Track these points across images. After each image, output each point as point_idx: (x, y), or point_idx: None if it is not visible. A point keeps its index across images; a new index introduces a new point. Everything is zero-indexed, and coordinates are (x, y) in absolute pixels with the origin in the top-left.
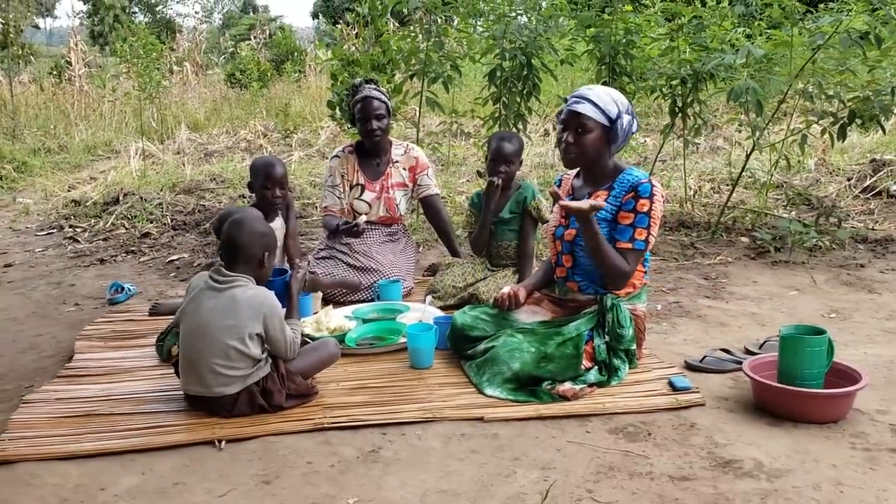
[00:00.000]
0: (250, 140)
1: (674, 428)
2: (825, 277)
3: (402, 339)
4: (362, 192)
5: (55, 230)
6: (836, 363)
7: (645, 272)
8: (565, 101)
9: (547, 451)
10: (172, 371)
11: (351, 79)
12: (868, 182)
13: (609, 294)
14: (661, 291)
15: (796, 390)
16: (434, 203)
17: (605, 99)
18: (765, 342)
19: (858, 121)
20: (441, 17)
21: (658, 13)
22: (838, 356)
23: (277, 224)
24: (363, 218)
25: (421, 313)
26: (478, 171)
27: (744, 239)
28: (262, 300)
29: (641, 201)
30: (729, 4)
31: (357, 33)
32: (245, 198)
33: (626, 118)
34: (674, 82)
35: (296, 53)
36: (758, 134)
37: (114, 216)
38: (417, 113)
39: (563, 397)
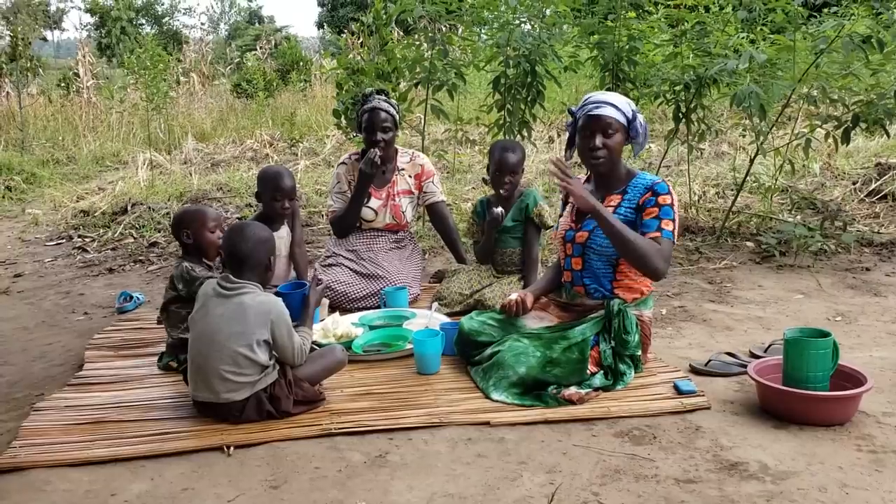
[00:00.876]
0: (256, 149)
1: (679, 431)
2: (830, 281)
3: (409, 346)
4: (368, 199)
5: (64, 240)
6: (842, 366)
7: None
8: (569, 111)
9: (553, 454)
10: (181, 378)
11: (356, 87)
12: (873, 186)
13: (616, 299)
14: (666, 296)
15: (801, 393)
16: (440, 210)
17: (621, 101)
18: (770, 345)
19: (863, 125)
20: (445, 26)
21: (661, 19)
22: (844, 359)
23: (283, 232)
24: (376, 151)
25: (427, 320)
26: (483, 179)
27: (749, 243)
28: (270, 307)
29: (662, 196)
30: (732, 10)
31: (362, 42)
32: (251, 206)
33: (640, 117)
34: (677, 88)
35: (301, 63)
36: (761, 139)
37: (122, 226)
38: (422, 121)
39: (569, 401)
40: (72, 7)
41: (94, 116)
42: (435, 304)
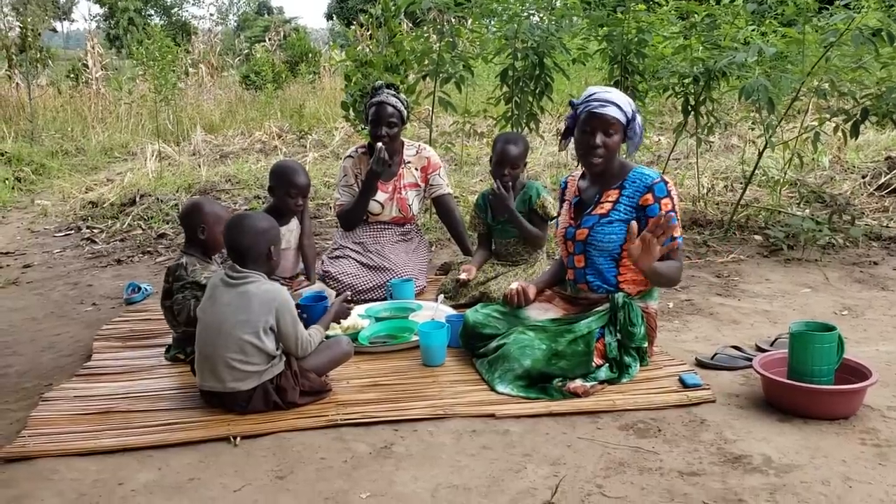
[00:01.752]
0: (265, 141)
1: (684, 424)
2: (838, 275)
3: (415, 338)
4: (375, 192)
5: (73, 231)
6: (847, 360)
7: None
8: (571, 105)
9: (557, 446)
10: (189, 369)
11: (365, 80)
12: (883, 179)
13: (621, 292)
14: (673, 289)
15: (806, 386)
16: (446, 202)
17: (623, 100)
18: (776, 339)
19: (872, 118)
20: (454, 18)
21: (671, 11)
22: (850, 353)
23: (293, 225)
24: (382, 148)
25: (433, 312)
26: (491, 171)
27: (757, 237)
28: (275, 294)
29: (664, 201)
30: (742, 2)
31: (371, 34)
32: (260, 198)
33: (638, 117)
34: (686, 81)
35: (310, 55)
36: (770, 132)
37: (130, 217)
38: (430, 113)
39: (574, 394)
40: None
41: (103, 108)
42: (441, 297)
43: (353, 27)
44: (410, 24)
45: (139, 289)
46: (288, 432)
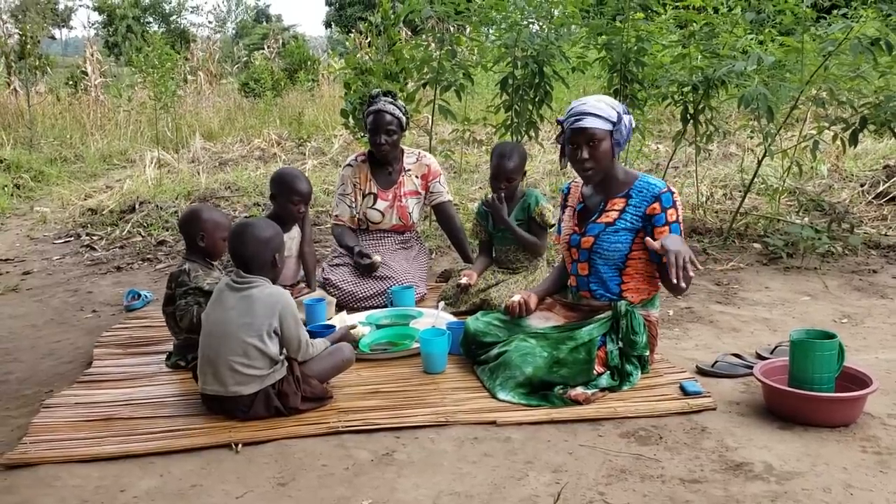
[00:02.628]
0: (264, 149)
1: (685, 432)
2: (837, 283)
3: (416, 345)
4: (375, 200)
5: (72, 238)
6: (847, 367)
7: (658, 279)
8: (558, 122)
9: (559, 454)
10: (190, 376)
11: (364, 87)
12: (881, 188)
13: (623, 300)
14: (672, 297)
15: (807, 394)
16: (446, 210)
17: (601, 107)
18: (776, 347)
19: (871, 127)
20: (453, 26)
21: (669, 20)
22: (850, 361)
23: (294, 233)
24: (378, 258)
25: (434, 319)
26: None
27: (756, 245)
28: (278, 297)
29: (669, 212)
30: (741, 11)
31: (370, 42)
32: (259, 206)
33: (626, 118)
34: (685, 89)
35: (309, 62)
36: (769, 140)
37: (130, 224)
38: (430, 121)
39: (575, 402)
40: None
41: (102, 115)
42: (441, 304)
43: (352, 35)
44: (409, 32)
45: (139, 296)
46: (289, 439)
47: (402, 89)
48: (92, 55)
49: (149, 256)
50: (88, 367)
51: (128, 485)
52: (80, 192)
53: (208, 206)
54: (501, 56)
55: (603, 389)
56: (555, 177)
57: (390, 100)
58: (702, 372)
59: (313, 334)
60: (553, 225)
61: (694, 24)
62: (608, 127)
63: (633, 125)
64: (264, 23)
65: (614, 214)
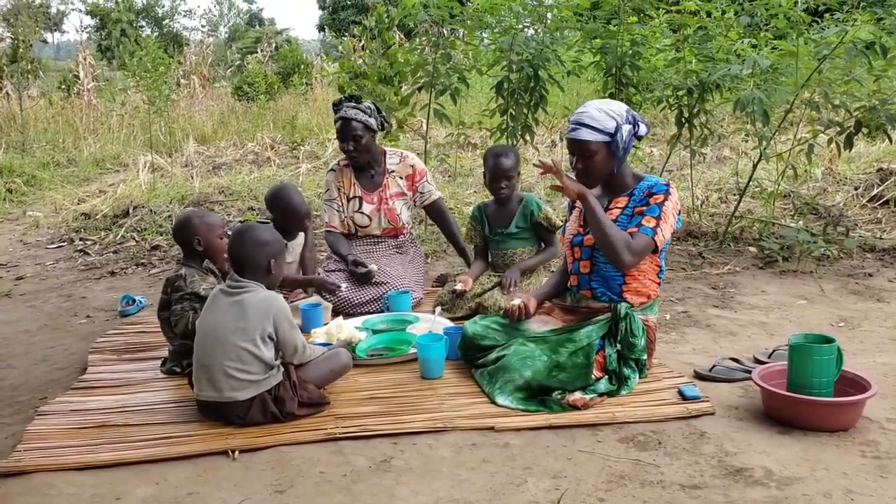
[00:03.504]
0: (258, 152)
1: (684, 437)
2: (833, 286)
3: (413, 350)
4: (361, 204)
5: (66, 243)
6: (846, 372)
7: (659, 283)
8: (569, 120)
9: (558, 460)
10: (185, 382)
11: (359, 91)
12: (875, 191)
13: (623, 303)
14: (669, 301)
15: (806, 399)
16: (438, 207)
17: (600, 116)
18: (774, 351)
19: (865, 130)
20: (447, 30)
21: (663, 24)
22: (847, 365)
23: (300, 239)
24: (374, 267)
25: (431, 324)
26: (487, 188)
27: (752, 248)
28: (272, 301)
29: (654, 196)
30: (734, 15)
31: (364, 46)
32: (253, 210)
33: (625, 128)
34: (680, 93)
35: (302, 66)
36: (764, 144)
37: (123, 229)
38: (425, 125)
39: (574, 407)
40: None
41: (95, 119)
42: (438, 308)
43: (346, 38)
44: (403, 36)
45: (133, 301)
46: (287, 446)
47: (396, 93)
48: (84, 59)
49: (143, 261)
50: (83, 373)
51: (123, 493)
52: (73, 197)
53: (199, 211)
54: (496, 60)
55: (601, 394)
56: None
57: (353, 104)
58: (700, 376)
59: (300, 313)
60: (560, 226)
61: (687, 27)
62: (604, 139)
63: (639, 131)
64: (257, 26)
65: (616, 212)
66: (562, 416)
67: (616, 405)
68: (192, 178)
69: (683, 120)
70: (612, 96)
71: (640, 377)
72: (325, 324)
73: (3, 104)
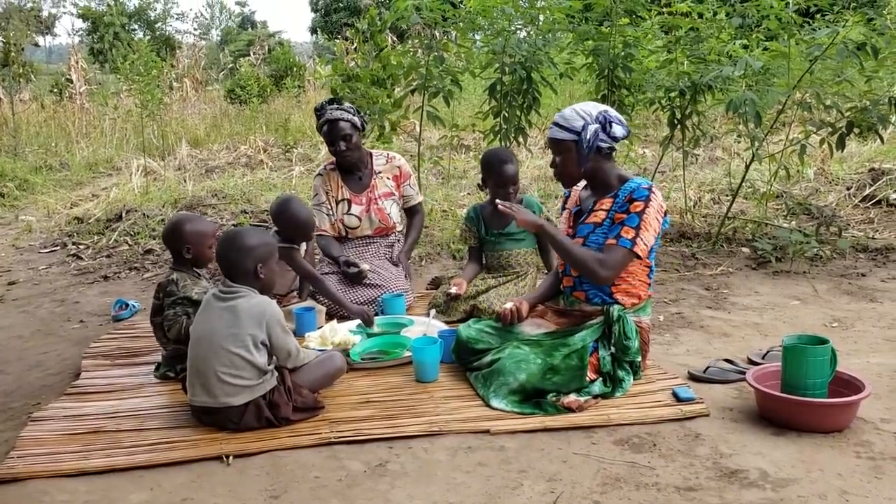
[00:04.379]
0: (251, 155)
1: (679, 438)
2: (826, 287)
3: (407, 353)
4: (349, 206)
5: (58, 247)
6: (840, 372)
7: (649, 284)
8: None
9: (553, 462)
10: (179, 387)
11: (351, 94)
12: (867, 191)
13: (616, 305)
14: (663, 302)
15: (800, 400)
16: (416, 210)
17: (570, 116)
18: (768, 352)
19: (857, 130)
20: (440, 32)
21: (655, 26)
22: (841, 365)
23: (302, 248)
24: (366, 267)
25: (425, 327)
26: (478, 185)
27: (745, 249)
28: (264, 308)
29: (635, 203)
30: (726, 16)
31: (356, 48)
32: (246, 213)
33: (591, 127)
34: (672, 94)
35: (295, 68)
36: (757, 145)
37: (116, 233)
38: (418, 127)
39: (569, 409)
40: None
41: (87, 122)
42: (432, 311)
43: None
44: (395, 38)
45: (127, 305)
46: (281, 451)
47: (389, 95)
48: (76, 62)
49: (136, 265)
50: (76, 378)
51: (117, 499)
52: (65, 201)
53: (190, 217)
54: (489, 62)
55: (596, 396)
56: (543, 182)
57: (336, 106)
58: (694, 378)
59: (294, 316)
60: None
61: (679, 29)
62: (571, 137)
63: (612, 131)
64: (249, 29)
65: (602, 214)
66: (557, 418)
67: (611, 407)
68: (185, 181)
69: (676, 121)
70: (604, 98)
71: (634, 379)
72: (319, 327)
73: None
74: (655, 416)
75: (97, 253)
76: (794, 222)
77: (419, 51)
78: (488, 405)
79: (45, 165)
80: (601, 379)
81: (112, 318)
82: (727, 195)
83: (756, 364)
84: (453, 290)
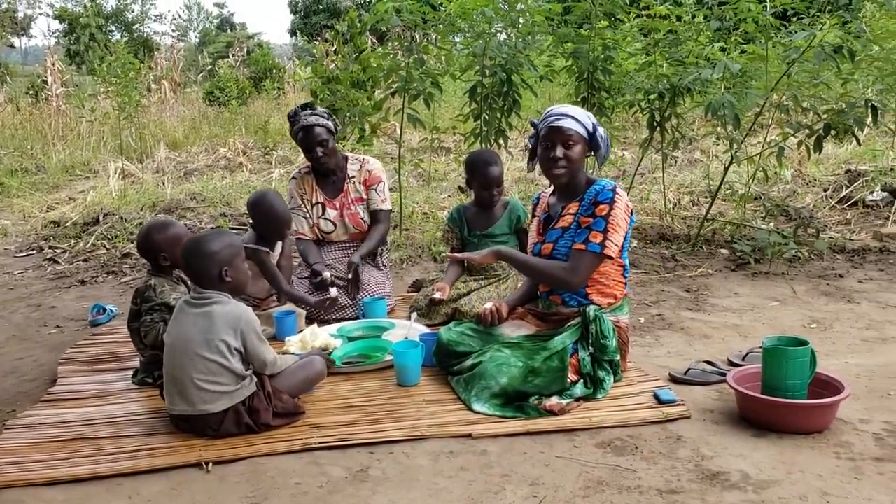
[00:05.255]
0: (230, 158)
1: (660, 441)
2: (805, 288)
3: (389, 357)
4: (324, 210)
5: (34, 251)
6: (819, 374)
7: (625, 283)
8: (532, 124)
9: (535, 466)
10: (157, 393)
11: (331, 96)
12: (844, 192)
13: (592, 305)
14: (643, 304)
15: (780, 401)
16: (378, 217)
17: (581, 113)
18: (748, 354)
19: (833, 132)
20: (420, 35)
21: (634, 29)
22: (820, 367)
23: (279, 249)
24: (328, 275)
25: (406, 330)
26: (459, 187)
27: (724, 251)
28: (240, 314)
29: (600, 206)
30: (704, 20)
31: (336, 50)
32: (226, 216)
33: (599, 129)
34: (651, 97)
35: (274, 70)
36: (735, 147)
37: (94, 237)
38: (399, 129)
39: (550, 412)
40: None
41: (64, 124)
42: (414, 315)
43: (318, 42)
44: (375, 41)
45: (104, 310)
46: (261, 457)
47: (369, 97)
48: (53, 64)
49: (114, 269)
50: (53, 384)
51: None
52: (41, 204)
53: (159, 224)
54: (469, 64)
55: (577, 399)
56: (524, 184)
57: (310, 112)
58: (675, 380)
59: (274, 321)
60: None
61: (658, 31)
62: (584, 132)
63: (609, 141)
64: (228, 31)
65: (569, 219)
66: (539, 421)
67: (593, 410)
68: (164, 184)
69: (655, 123)
70: (584, 100)
71: (614, 380)
72: (300, 331)
73: None
74: (637, 419)
75: (74, 257)
76: (772, 224)
77: (399, 53)
78: (470, 409)
79: (20, 168)
80: (582, 381)
81: (89, 323)
82: (706, 197)
83: (736, 366)
84: (437, 295)
